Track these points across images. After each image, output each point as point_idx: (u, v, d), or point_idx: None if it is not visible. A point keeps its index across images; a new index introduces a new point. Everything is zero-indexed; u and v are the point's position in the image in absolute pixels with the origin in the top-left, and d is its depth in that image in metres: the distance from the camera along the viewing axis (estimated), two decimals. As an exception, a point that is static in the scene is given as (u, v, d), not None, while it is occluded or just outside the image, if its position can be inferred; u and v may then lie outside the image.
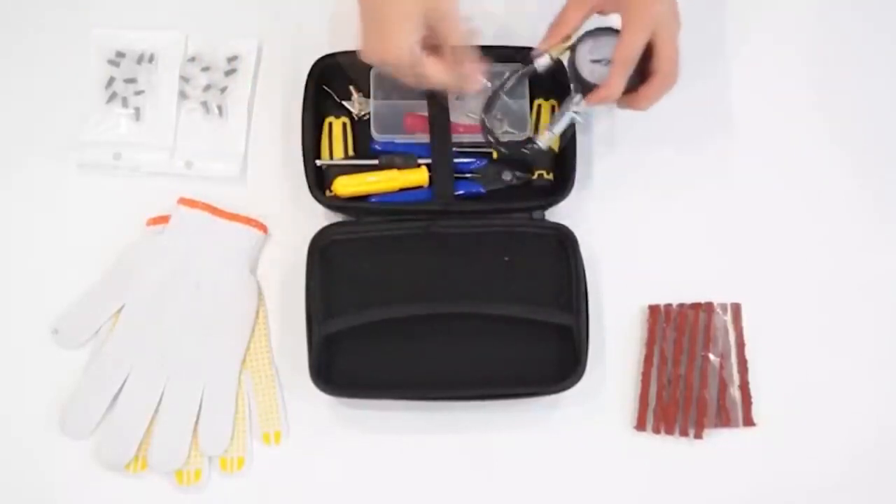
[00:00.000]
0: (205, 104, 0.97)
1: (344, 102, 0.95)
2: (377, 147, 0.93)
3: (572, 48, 0.88)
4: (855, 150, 0.97)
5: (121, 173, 0.95)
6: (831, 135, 0.97)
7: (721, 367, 0.90)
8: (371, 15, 0.84)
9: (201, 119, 0.97)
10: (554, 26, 0.88)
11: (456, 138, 0.92)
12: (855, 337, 0.92)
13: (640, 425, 0.89)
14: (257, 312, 0.91)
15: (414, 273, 0.90)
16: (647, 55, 0.86)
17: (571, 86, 0.89)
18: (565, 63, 0.89)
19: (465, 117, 0.94)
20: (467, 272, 0.90)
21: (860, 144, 0.97)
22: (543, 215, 0.92)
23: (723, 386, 0.89)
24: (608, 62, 0.86)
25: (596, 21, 0.88)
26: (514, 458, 0.88)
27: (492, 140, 0.90)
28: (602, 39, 0.88)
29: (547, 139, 0.89)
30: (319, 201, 0.91)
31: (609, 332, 0.91)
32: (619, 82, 0.85)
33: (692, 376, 0.89)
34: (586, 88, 0.87)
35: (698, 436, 0.88)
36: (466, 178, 0.93)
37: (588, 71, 0.87)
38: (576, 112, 0.88)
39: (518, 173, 0.93)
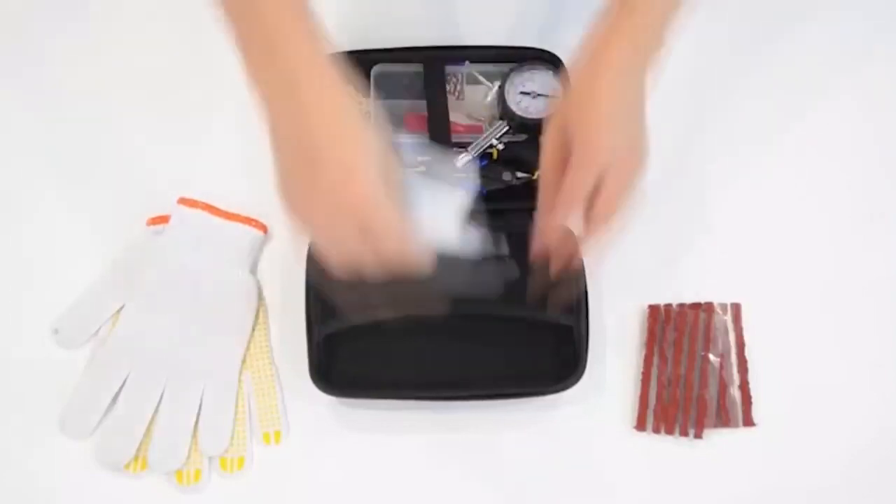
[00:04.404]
0: (205, 104, 0.97)
1: (344, 102, 0.95)
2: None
3: (503, 78, 0.91)
4: (856, 150, 0.97)
5: (120, 172, 0.95)
6: (832, 134, 0.97)
7: (721, 367, 0.90)
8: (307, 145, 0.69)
9: (201, 119, 0.97)
10: (544, 192, 0.78)
11: (456, 138, 0.92)
12: (855, 337, 0.91)
13: (640, 425, 0.89)
14: (257, 312, 0.91)
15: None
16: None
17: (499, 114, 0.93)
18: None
19: (465, 117, 0.94)
20: (467, 272, 0.90)
21: (861, 144, 0.97)
22: (543, 215, 0.92)
23: (723, 386, 0.89)
24: (537, 95, 0.90)
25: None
26: (514, 458, 0.88)
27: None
28: (531, 73, 0.92)
29: (462, 160, 0.91)
30: (319, 201, 0.91)
31: (609, 332, 0.91)
32: (557, 222, 0.77)
33: (692, 376, 0.89)
34: (513, 120, 0.91)
35: (698, 436, 0.88)
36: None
37: (516, 103, 0.91)
38: (497, 139, 0.92)
39: (518, 173, 0.93)
